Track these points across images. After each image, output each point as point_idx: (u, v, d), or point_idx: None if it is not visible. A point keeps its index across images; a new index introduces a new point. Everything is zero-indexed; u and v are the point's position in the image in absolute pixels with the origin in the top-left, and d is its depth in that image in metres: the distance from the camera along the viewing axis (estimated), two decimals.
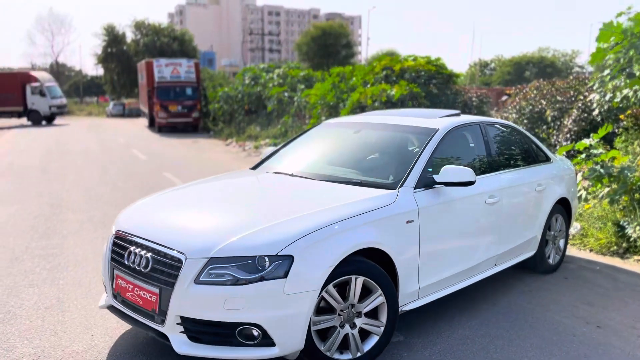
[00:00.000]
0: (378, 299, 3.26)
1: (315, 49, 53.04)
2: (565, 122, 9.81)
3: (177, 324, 2.95)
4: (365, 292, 3.26)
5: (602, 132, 6.44)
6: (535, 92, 11.39)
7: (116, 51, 52.26)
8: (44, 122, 33.46)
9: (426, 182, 3.74)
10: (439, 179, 3.72)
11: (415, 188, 3.66)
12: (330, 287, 3.08)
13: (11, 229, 6.53)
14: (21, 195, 8.83)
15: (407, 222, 3.50)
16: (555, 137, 10.14)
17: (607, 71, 8.69)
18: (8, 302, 4.23)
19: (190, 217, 3.48)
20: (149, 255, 3.14)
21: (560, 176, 5.23)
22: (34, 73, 36.38)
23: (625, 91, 8.08)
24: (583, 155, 6.51)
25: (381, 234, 3.32)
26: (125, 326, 3.75)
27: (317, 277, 2.95)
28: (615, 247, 5.94)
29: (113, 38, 52.43)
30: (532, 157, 5.08)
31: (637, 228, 5.76)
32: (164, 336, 3.01)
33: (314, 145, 4.74)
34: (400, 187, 3.63)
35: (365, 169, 4.11)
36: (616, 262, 5.66)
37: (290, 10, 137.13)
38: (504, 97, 18.28)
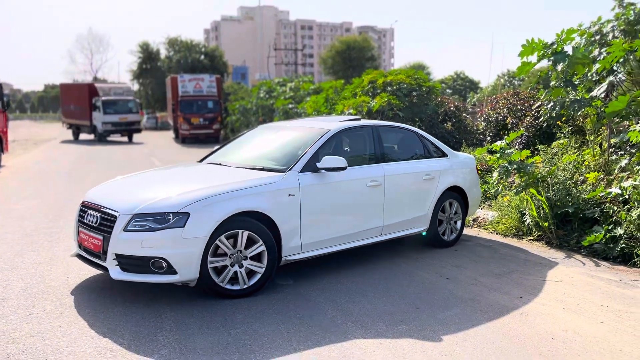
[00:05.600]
0: (259, 247, 4.58)
1: (340, 63, 54.63)
2: (520, 129, 10.90)
3: (113, 259, 4.33)
4: (252, 243, 4.58)
5: (512, 135, 7.59)
6: (502, 101, 12.50)
7: (150, 67, 55.10)
8: (110, 138, 29.10)
9: (312, 168, 5.06)
10: (320, 165, 5.02)
11: (301, 172, 4.98)
12: (223, 237, 4.42)
13: (28, 215, 8.10)
14: (44, 193, 10.49)
15: (289, 195, 4.81)
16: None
17: (553, 82, 9.79)
18: (14, 259, 5.71)
19: (131, 190, 4.91)
20: (98, 214, 4.56)
21: (453, 169, 6.45)
22: (97, 85, 31.50)
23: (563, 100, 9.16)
24: (498, 155, 7.65)
25: (264, 202, 4.64)
26: (92, 272, 5.17)
27: (206, 228, 4.30)
28: (515, 231, 7.10)
29: (148, 55, 55.35)
30: (426, 153, 6.33)
31: (530, 213, 6.90)
32: (106, 269, 4.40)
33: (246, 143, 6.12)
34: (288, 170, 4.96)
35: (275, 158, 5.43)
36: (512, 241, 6.81)
37: (322, 24, 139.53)
38: None
